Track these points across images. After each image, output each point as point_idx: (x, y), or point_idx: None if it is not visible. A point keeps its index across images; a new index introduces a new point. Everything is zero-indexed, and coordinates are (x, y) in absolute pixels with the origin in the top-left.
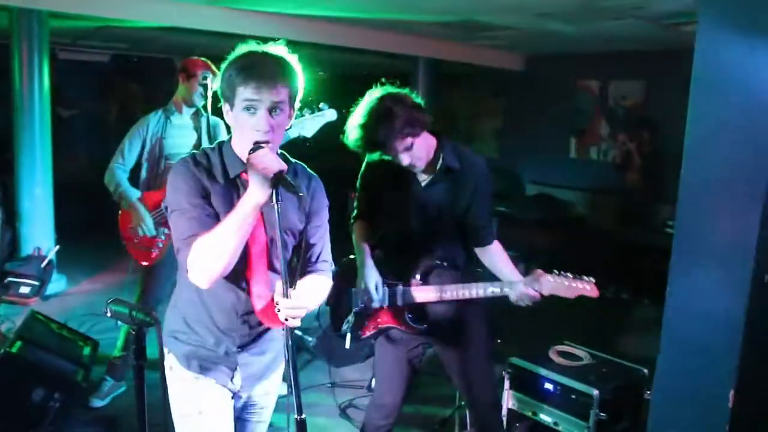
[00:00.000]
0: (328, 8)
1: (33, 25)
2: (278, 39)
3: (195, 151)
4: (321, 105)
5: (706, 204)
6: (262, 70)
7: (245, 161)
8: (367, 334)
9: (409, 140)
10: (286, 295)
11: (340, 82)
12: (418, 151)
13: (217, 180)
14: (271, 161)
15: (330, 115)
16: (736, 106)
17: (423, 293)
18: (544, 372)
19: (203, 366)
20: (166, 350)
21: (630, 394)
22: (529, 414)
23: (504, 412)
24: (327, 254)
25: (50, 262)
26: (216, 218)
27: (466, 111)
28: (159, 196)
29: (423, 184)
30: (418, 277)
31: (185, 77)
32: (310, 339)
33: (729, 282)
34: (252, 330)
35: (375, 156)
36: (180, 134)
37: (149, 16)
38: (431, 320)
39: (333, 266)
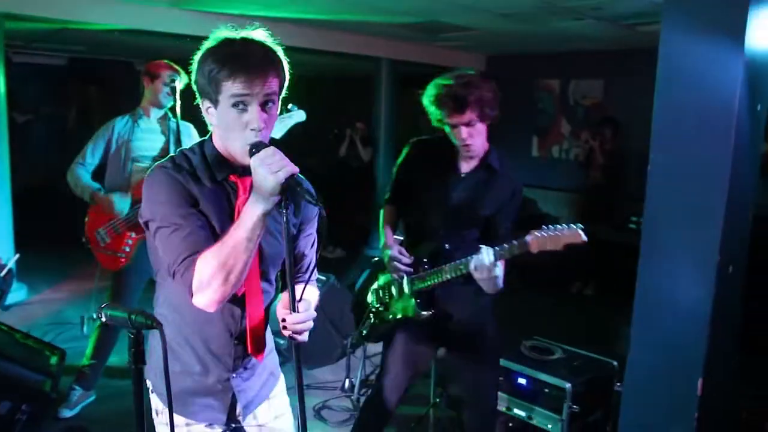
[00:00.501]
0: (292, 10)
1: None
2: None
3: (172, 154)
4: (290, 106)
5: (673, 200)
6: (249, 61)
7: (231, 162)
8: (378, 329)
9: (478, 116)
10: (293, 309)
11: (305, 84)
12: (477, 134)
13: (204, 184)
14: (282, 163)
15: (299, 116)
16: (700, 104)
17: (428, 277)
18: (516, 367)
19: (193, 405)
20: (150, 389)
21: (601, 387)
22: (504, 409)
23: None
24: (314, 265)
25: (10, 271)
26: (210, 229)
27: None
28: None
29: (462, 174)
30: (425, 261)
31: (149, 80)
32: (281, 341)
33: (696, 274)
34: (251, 347)
35: (420, 140)
36: (148, 137)
37: (107, 18)
38: (439, 307)
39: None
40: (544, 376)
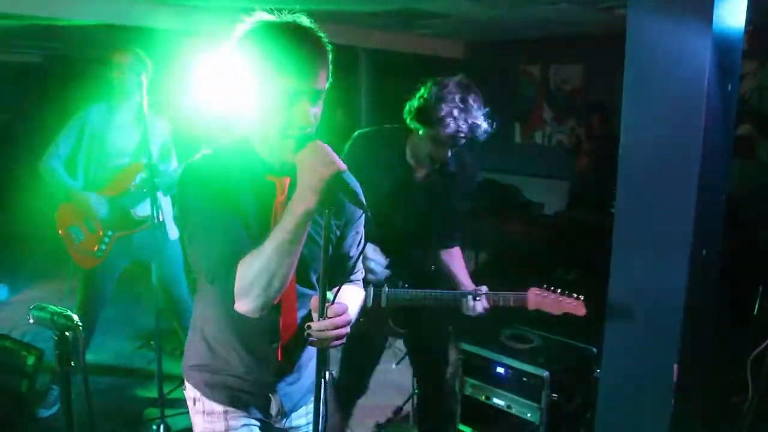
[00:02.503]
0: (266, 0)
1: None
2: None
3: (205, 150)
4: None
5: (644, 185)
6: (300, 54)
7: (268, 160)
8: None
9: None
10: (322, 314)
11: None
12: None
13: (241, 182)
14: (328, 160)
15: None
16: (669, 85)
17: (408, 297)
18: (494, 356)
19: (233, 396)
20: (186, 381)
21: (581, 374)
22: (483, 398)
23: (459, 398)
24: (360, 265)
25: None
26: (248, 231)
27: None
28: (106, 193)
29: (418, 179)
30: (401, 281)
31: (112, 70)
32: None
33: (669, 258)
34: (287, 356)
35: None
36: (122, 132)
37: (78, 14)
38: (411, 324)
39: (363, 274)
40: (521, 365)
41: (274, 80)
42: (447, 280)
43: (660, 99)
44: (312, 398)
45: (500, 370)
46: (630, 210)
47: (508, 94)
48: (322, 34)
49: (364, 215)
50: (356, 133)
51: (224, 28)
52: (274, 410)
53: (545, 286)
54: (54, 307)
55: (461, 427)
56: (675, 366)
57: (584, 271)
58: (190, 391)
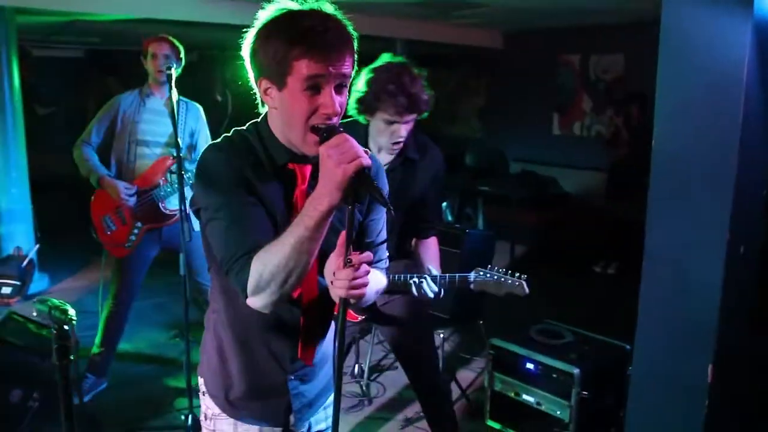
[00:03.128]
0: None
1: None
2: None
3: (227, 134)
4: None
5: (679, 178)
6: (325, 38)
7: (289, 148)
8: None
9: (415, 116)
10: (347, 262)
11: None
12: (408, 130)
13: (264, 170)
14: (354, 153)
15: None
16: (706, 72)
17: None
18: (524, 352)
19: (246, 409)
20: (201, 391)
21: (613, 372)
22: (512, 395)
23: (488, 394)
24: (385, 252)
25: (31, 261)
26: (270, 220)
27: (447, 92)
28: (137, 184)
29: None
30: None
31: (144, 58)
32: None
33: (704, 255)
34: (306, 351)
35: None
36: (155, 120)
37: (115, 9)
38: (374, 309)
39: (387, 264)
40: (552, 361)
41: (297, 65)
42: (418, 270)
43: (696, 88)
44: (330, 397)
45: (530, 366)
46: (663, 204)
47: (546, 85)
48: (346, 21)
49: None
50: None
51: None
52: (292, 414)
53: (489, 266)
54: (54, 301)
55: (490, 423)
56: (710, 366)
57: (624, 265)
58: (203, 404)
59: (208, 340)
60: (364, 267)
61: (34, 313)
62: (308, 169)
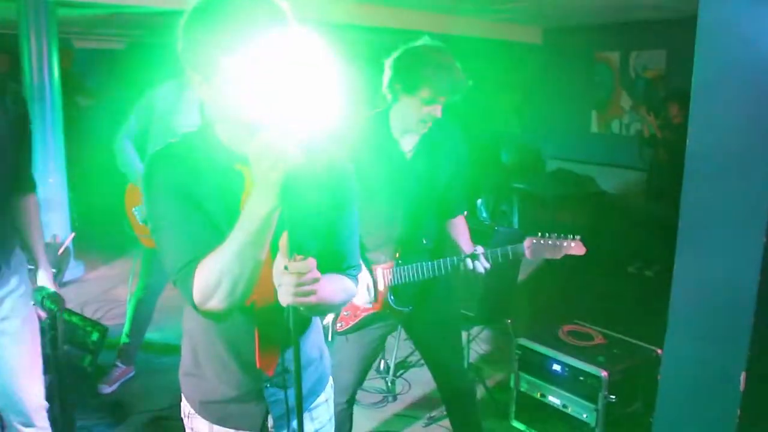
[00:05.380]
0: None
1: (40, 14)
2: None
3: (170, 140)
4: None
5: (714, 175)
6: (249, 20)
7: (233, 149)
8: (350, 324)
9: (451, 97)
10: (285, 268)
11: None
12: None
13: (206, 174)
14: (282, 154)
15: None
16: (744, 72)
17: (407, 273)
18: (551, 353)
19: (222, 413)
20: (183, 395)
21: (642, 376)
22: (538, 396)
23: (514, 394)
24: (355, 258)
25: (67, 249)
26: (215, 228)
27: (484, 87)
28: None
29: (407, 156)
30: (398, 255)
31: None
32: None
33: (739, 256)
34: (267, 358)
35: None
36: (189, 115)
37: (155, 1)
38: (415, 301)
39: (359, 270)
40: (579, 363)
41: (222, 60)
42: (451, 249)
43: (734, 83)
44: (317, 399)
45: (557, 367)
46: (697, 204)
47: (584, 81)
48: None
49: (353, 205)
50: None
51: None
52: (270, 421)
53: (540, 234)
54: (48, 290)
55: (515, 423)
56: (742, 375)
57: (664, 268)
58: (183, 405)
59: (185, 343)
60: (312, 273)
61: (32, 303)
62: None
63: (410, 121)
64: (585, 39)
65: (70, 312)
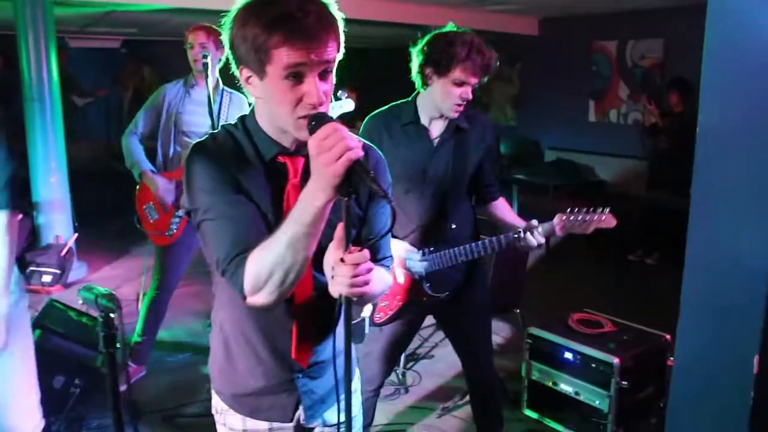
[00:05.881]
0: None
1: (37, 13)
2: None
3: (213, 131)
4: (339, 93)
5: (724, 164)
6: (305, 23)
7: (278, 140)
8: (389, 314)
9: (482, 79)
10: (342, 260)
11: (351, 56)
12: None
13: (250, 165)
14: (345, 146)
15: (347, 104)
16: (756, 60)
17: (441, 260)
18: (562, 341)
19: (255, 405)
20: (213, 391)
21: (653, 361)
22: (550, 384)
23: (525, 383)
24: (388, 249)
25: (70, 249)
26: (262, 217)
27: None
28: (177, 176)
29: (435, 143)
30: (430, 242)
31: (184, 48)
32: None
33: (754, 236)
34: (302, 349)
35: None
36: (199, 111)
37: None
38: (451, 287)
39: (392, 261)
40: (590, 351)
41: (276, 54)
42: (501, 229)
43: (745, 71)
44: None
45: (568, 355)
46: (708, 191)
47: (582, 71)
48: (328, 1)
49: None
50: (369, 116)
51: None
52: (301, 411)
53: (569, 210)
54: (100, 289)
55: (527, 412)
56: (756, 357)
57: (665, 255)
58: (213, 400)
59: (215, 336)
60: (367, 264)
61: (80, 301)
62: (300, 161)
63: (443, 105)
64: (582, 28)
65: (80, 313)
